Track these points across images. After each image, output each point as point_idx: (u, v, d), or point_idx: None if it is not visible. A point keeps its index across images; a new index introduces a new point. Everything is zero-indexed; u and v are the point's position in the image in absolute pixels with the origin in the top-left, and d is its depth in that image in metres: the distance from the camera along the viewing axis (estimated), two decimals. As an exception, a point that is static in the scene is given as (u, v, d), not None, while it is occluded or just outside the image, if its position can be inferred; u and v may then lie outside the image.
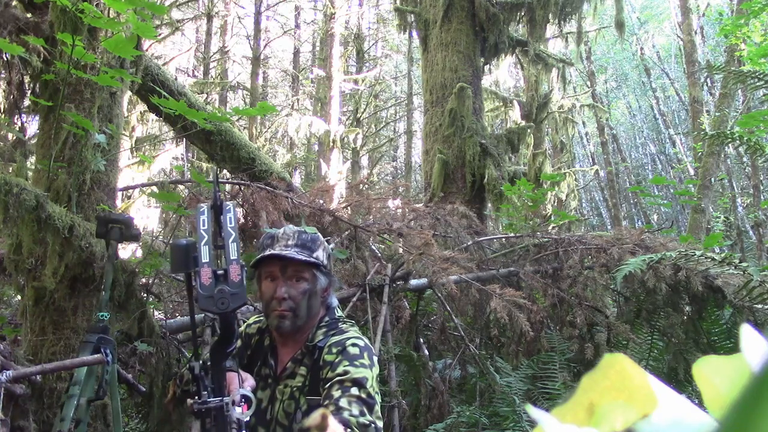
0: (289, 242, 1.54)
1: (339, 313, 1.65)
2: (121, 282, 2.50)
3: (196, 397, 1.06)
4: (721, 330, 3.21)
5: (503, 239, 4.49)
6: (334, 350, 1.49)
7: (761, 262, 7.88)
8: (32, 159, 3.82)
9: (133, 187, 6.17)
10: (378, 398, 1.43)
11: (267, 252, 1.53)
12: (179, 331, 2.99)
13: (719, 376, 0.28)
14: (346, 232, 3.23)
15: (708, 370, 0.28)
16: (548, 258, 3.78)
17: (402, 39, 16.30)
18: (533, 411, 0.26)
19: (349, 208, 3.58)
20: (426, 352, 3.43)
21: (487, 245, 4.28)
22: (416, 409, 3.18)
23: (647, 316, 3.37)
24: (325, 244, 1.63)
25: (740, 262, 3.08)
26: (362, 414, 1.35)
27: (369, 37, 17.45)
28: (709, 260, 3.06)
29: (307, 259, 1.52)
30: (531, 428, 2.64)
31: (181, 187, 5.16)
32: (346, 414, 1.32)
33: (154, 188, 4.56)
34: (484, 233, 4.34)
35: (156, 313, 3.67)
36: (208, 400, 1.05)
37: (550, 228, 4.97)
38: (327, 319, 1.59)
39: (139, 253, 3.83)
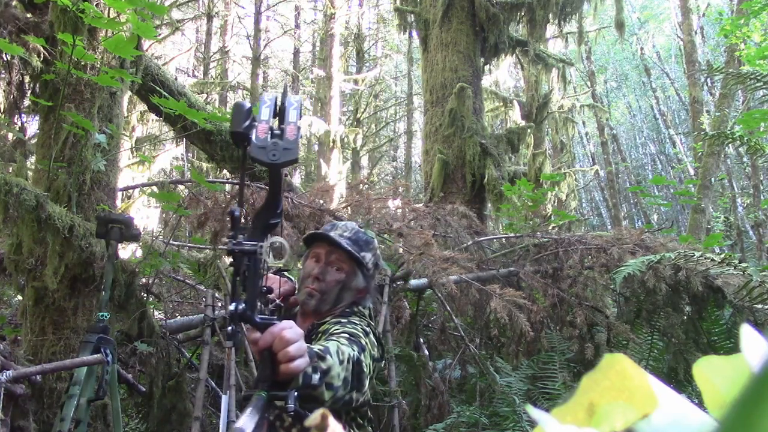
0: (345, 234, 1.62)
1: (365, 311, 1.66)
2: (121, 282, 2.50)
3: (231, 239, 1.04)
4: (721, 330, 3.21)
5: (503, 239, 4.49)
6: (331, 321, 1.52)
7: (761, 262, 7.88)
8: (32, 159, 3.82)
9: (133, 187, 6.17)
10: (367, 370, 1.39)
11: (321, 231, 1.60)
12: (179, 331, 2.99)
13: (719, 376, 0.28)
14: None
15: (708, 370, 0.28)
16: (548, 258, 3.78)
17: (402, 39, 16.30)
18: (533, 411, 0.26)
19: (349, 208, 3.58)
20: (426, 352, 3.43)
21: (487, 245, 4.28)
22: (416, 409, 3.18)
23: (647, 316, 3.37)
24: (378, 252, 1.68)
25: (740, 263, 3.08)
26: (349, 344, 1.35)
27: (369, 37, 17.45)
28: (709, 260, 3.06)
29: (353, 251, 1.58)
30: (531, 428, 2.64)
31: (181, 187, 5.16)
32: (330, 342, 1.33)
33: (154, 188, 4.56)
34: (484, 233, 4.34)
35: (156, 313, 3.67)
36: (243, 242, 1.03)
37: (550, 228, 4.97)
38: (346, 310, 1.61)
39: (139, 253, 3.83)
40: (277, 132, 1.03)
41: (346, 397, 1.29)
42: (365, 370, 1.37)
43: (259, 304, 1.08)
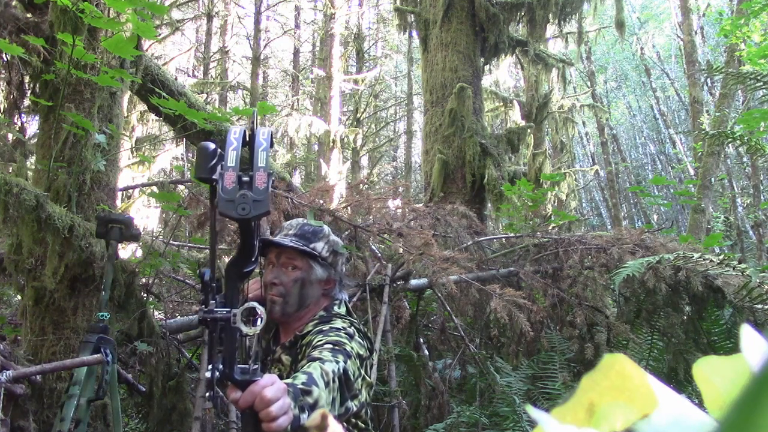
0: (290, 232, 1.60)
1: (341, 309, 1.64)
2: (121, 282, 2.50)
3: (203, 306, 1.02)
4: (721, 330, 3.20)
5: (503, 239, 4.49)
6: (313, 332, 1.50)
7: (761, 262, 7.88)
8: (32, 159, 3.82)
9: (133, 187, 6.17)
10: (355, 375, 1.38)
11: (267, 237, 1.59)
12: (179, 331, 2.99)
13: (719, 376, 0.28)
14: (346, 232, 3.23)
15: (708, 370, 0.28)
16: (548, 258, 3.78)
17: (402, 39, 16.30)
18: (533, 411, 0.26)
19: (349, 208, 3.58)
20: (426, 352, 3.43)
21: (487, 245, 4.28)
22: (416, 409, 3.18)
23: (647, 316, 3.37)
24: (331, 238, 1.64)
25: (739, 263, 3.08)
26: (332, 356, 1.34)
27: (369, 37, 17.45)
28: (708, 261, 3.06)
29: (299, 247, 1.56)
30: (531, 428, 2.64)
31: (181, 187, 5.16)
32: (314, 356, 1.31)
33: (154, 188, 4.56)
34: (484, 233, 4.34)
35: (156, 313, 3.67)
36: (215, 309, 1.00)
37: (550, 228, 4.97)
38: (323, 312, 1.59)
39: (139, 253, 3.83)
40: (246, 179, 0.97)
41: (341, 411, 1.29)
42: (352, 377, 1.35)
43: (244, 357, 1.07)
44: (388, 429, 2.77)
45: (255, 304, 1.04)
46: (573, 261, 3.59)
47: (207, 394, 1.07)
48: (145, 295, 2.76)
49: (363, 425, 1.53)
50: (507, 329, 3.43)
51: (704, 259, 3.05)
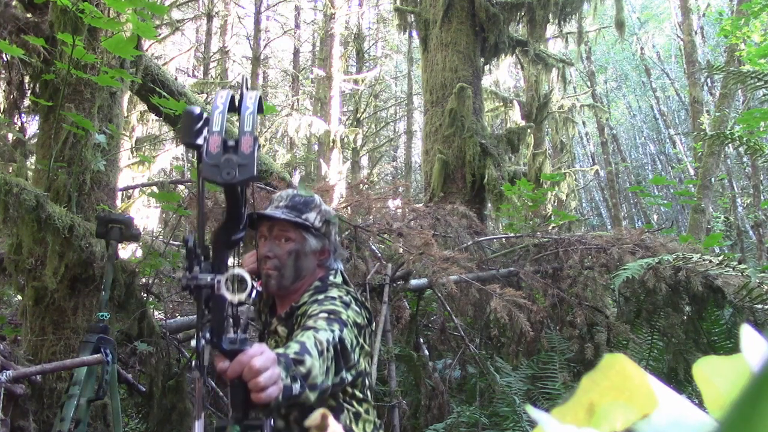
0: (281, 204, 1.58)
1: (337, 278, 1.62)
2: (121, 282, 2.50)
3: (187, 272, 0.97)
4: (721, 330, 3.21)
5: (503, 239, 4.50)
6: (309, 302, 1.49)
7: (761, 262, 7.88)
8: (32, 159, 3.82)
9: (133, 187, 6.17)
10: (352, 344, 1.36)
11: (260, 213, 1.57)
12: (179, 331, 2.99)
13: (719, 376, 0.28)
14: (346, 232, 3.23)
15: (708, 370, 0.28)
16: (548, 258, 3.78)
17: (402, 39, 16.30)
18: (533, 411, 0.26)
19: (349, 208, 3.58)
20: (426, 352, 3.42)
21: (487, 245, 4.28)
22: (416, 409, 3.18)
23: (647, 316, 3.37)
24: (323, 208, 1.62)
25: (740, 263, 3.08)
26: (327, 325, 1.32)
27: (369, 37, 17.44)
28: (708, 262, 3.06)
29: (291, 218, 1.54)
30: (531, 428, 2.64)
31: (181, 187, 5.16)
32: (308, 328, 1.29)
33: (154, 188, 4.56)
34: (484, 233, 4.34)
35: (156, 313, 3.67)
36: (199, 276, 0.97)
37: (550, 228, 4.97)
38: (318, 283, 1.57)
39: (139, 253, 3.83)
40: (231, 145, 0.93)
41: (336, 381, 1.27)
42: (349, 346, 1.33)
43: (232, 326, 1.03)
44: (388, 429, 2.77)
45: (241, 270, 1.02)
46: (573, 261, 3.59)
47: (194, 363, 1.04)
48: (145, 295, 2.76)
49: (360, 395, 1.50)
50: (507, 329, 3.43)
51: (704, 260, 3.05)
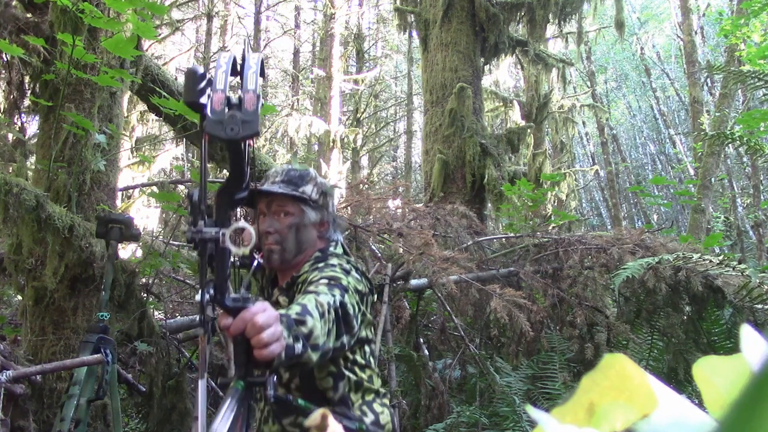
0: (277, 179, 1.58)
1: (337, 249, 1.62)
2: (121, 282, 2.50)
3: (191, 226, 0.97)
4: (721, 330, 3.21)
5: (503, 239, 4.50)
6: (309, 271, 1.49)
7: (761, 262, 7.88)
8: (32, 159, 3.82)
9: (133, 187, 6.17)
10: (354, 310, 1.35)
11: (257, 188, 1.57)
12: (179, 331, 2.99)
13: (719, 376, 0.28)
14: (346, 232, 3.23)
15: (708, 370, 0.28)
16: (548, 258, 3.78)
17: (402, 39, 16.30)
18: (533, 411, 0.26)
19: (349, 208, 3.58)
20: (426, 352, 3.42)
21: (487, 245, 4.28)
22: (416, 409, 3.18)
23: (647, 316, 3.37)
24: (319, 180, 1.63)
25: (740, 263, 3.08)
26: (328, 290, 1.31)
27: (369, 37, 17.44)
28: (708, 262, 3.06)
29: (289, 191, 1.54)
30: (531, 428, 2.64)
31: (181, 187, 5.16)
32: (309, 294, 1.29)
33: (154, 188, 4.56)
34: (484, 233, 4.34)
35: (156, 313, 3.67)
36: (204, 229, 0.96)
37: (550, 228, 4.97)
38: (318, 253, 1.57)
39: (139, 253, 3.83)
40: (235, 102, 0.94)
41: (337, 344, 1.26)
42: (351, 311, 1.33)
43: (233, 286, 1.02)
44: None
45: (245, 223, 1.01)
46: (573, 261, 3.59)
47: (198, 317, 1.04)
48: (145, 295, 2.76)
49: (363, 361, 1.50)
50: (507, 329, 3.43)
51: (704, 260, 3.05)
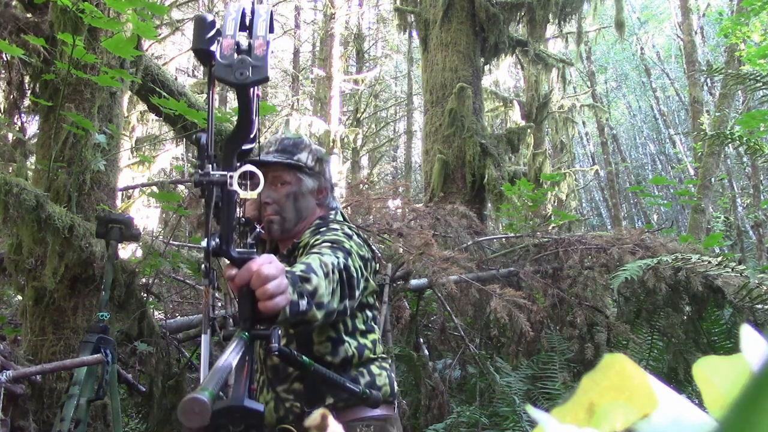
0: (271, 149, 1.57)
1: (338, 217, 1.61)
2: (121, 282, 2.50)
3: (199, 169, 0.96)
4: (721, 330, 3.21)
5: (503, 239, 4.50)
6: (311, 235, 1.47)
7: (761, 262, 7.88)
8: (32, 159, 3.82)
9: (133, 187, 6.17)
10: (357, 273, 1.33)
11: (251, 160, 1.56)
12: (179, 331, 2.99)
13: (719, 376, 0.28)
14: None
15: (708, 370, 0.28)
16: (548, 258, 3.78)
17: (402, 39, 16.29)
18: (533, 411, 0.26)
19: (349, 208, 3.58)
20: (426, 352, 3.43)
21: (487, 245, 4.28)
22: (416, 409, 3.18)
23: (647, 316, 3.37)
24: (313, 147, 1.61)
25: (739, 263, 3.08)
26: (331, 252, 1.29)
27: (369, 37, 17.45)
28: (708, 262, 3.06)
29: (284, 160, 1.53)
30: (531, 428, 2.64)
31: (181, 187, 5.16)
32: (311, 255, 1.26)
33: (154, 188, 4.56)
34: (484, 233, 4.34)
35: (156, 313, 3.67)
36: (211, 172, 0.95)
37: (550, 228, 4.97)
38: (319, 221, 1.56)
39: (139, 253, 3.83)
40: (245, 48, 0.93)
41: (340, 307, 1.24)
42: (354, 274, 1.31)
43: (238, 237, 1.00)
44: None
45: (252, 167, 0.99)
46: (573, 261, 3.59)
47: (203, 265, 1.02)
48: (145, 295, 2.76)
49: (363, 326, 1.48)
50: (507, 329, 3.43)
51: (704, 260, 3.06)
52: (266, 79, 0.92)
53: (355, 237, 1.47)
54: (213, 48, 0.94)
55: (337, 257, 1.28)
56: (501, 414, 2.87)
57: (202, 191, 0.97)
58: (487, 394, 3.14)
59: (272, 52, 0.99)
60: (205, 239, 0.96)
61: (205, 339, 0.99)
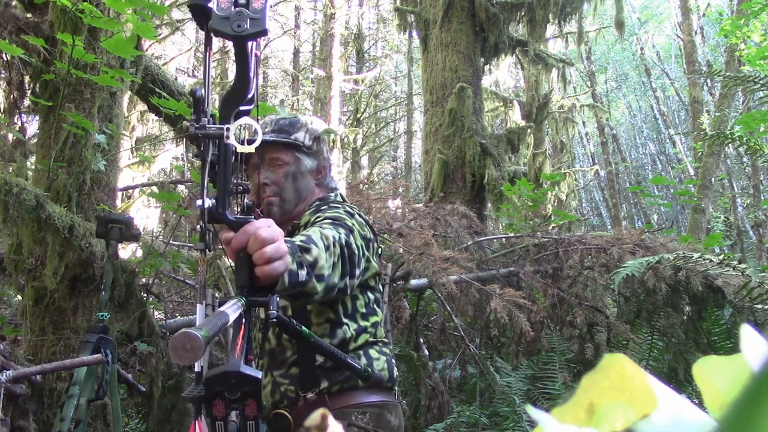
0: (267, 129, 1.54)
1: (338, 198, 1.59)
2: (121, 282, 2.50)
3: (194, 122, 0.92)
4: (721, 330, 3.21)
5: (503, 239, 4.50)
6: (311, 214, 1.45)
7: (761, 262, 7.88)
8: (32, 159, 3.82)
9: (133, 187, 6.17)
10: (359, 252, 1.30)
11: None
12: (179, 330, 2.99)
13: (719, 376, 0.28)
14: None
15: (708, 370, 0.28)
16: (548, 258, 3.78)
17: (402, 39, 16.29)
18: (533, 411, 0.26)
19: (349, 208, 3.57)
20: (426, 352, 3.43)
21: (487, 245, 4.28)
22: (416, 409, 3.18)
23: (647, 316, 3.37)
24: (310, 126, 1.59)
25: (739, 263, 3.08)
26: (333, 227, 1.25)
27: (369, 37, 17.45)
28: (708, 261, 3.06)
29: (281, 139, 1.51)
30: (531, 428, 2.64)
31: (181, 187, 5.16)
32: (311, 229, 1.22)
33: (154, 188, 4.56)
34: (484, 233, 4.34)
35: (156, 313, 3.67)
36: (207, 125, 0.92)
37: (550, 228, 4.97)
38: (319, 201, 1.54)
39: (139, 253, 3.83)
40: (242, 1, 0.91)
41: (340, 284, 1.21)
42: (356, 251, 1.28)
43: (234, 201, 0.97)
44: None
45: (250, 119, 0.96)
46: (573, 261, 3.59)
47: (197, 226, 0.98)
48: (145, 295, 2.76)
49: (364, 309, 1.45)
50: (507, 329, 3.43)
51: (704, 259, 3.05)
52: (264, 32, 0.90)
53: (357, 216, 1.44)
54: (210, 4, 0.92)
55: (339, 233, 1.25)
56: (501, 414, 2.87)
57: (197, 147, 0.93)
58: (487, 394, 3.14)
59: (271, 6, 0.97)
60: (200, 200, 0.92)
61: (200, 309, 0.96)
